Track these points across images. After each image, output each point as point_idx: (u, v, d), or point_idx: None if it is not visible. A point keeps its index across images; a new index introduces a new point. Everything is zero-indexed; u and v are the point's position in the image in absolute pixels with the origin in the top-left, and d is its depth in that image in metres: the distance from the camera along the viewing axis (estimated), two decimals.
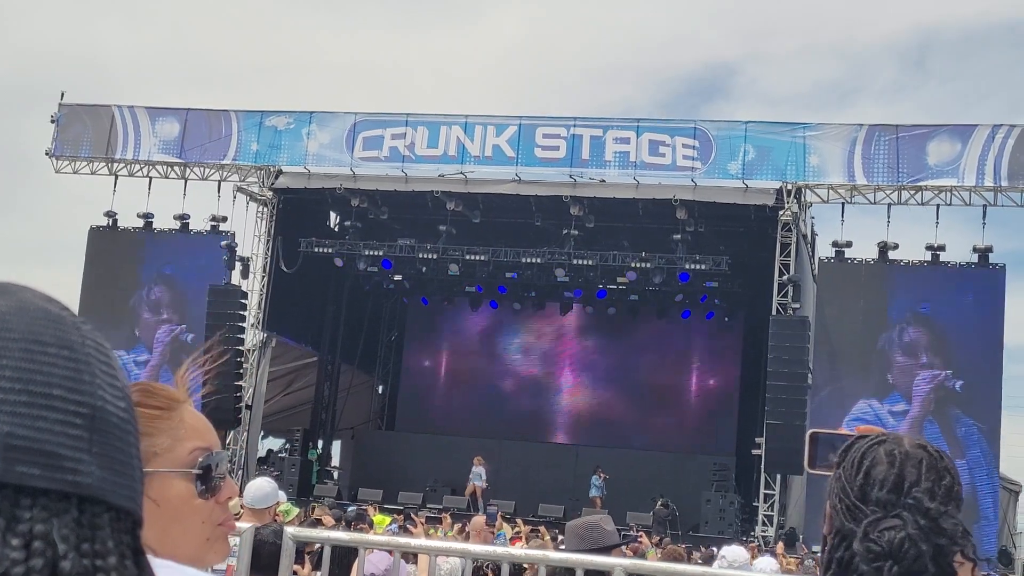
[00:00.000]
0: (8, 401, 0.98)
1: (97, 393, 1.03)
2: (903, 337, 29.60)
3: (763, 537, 28.32)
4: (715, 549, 20.19)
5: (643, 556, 10.57)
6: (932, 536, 2.09)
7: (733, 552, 8.81)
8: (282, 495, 8.62)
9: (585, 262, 31.53)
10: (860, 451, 2.22)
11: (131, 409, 1.08)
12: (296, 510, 15.16)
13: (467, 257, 32.21)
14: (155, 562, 1.84)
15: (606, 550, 5.32)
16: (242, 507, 8.13)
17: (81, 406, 1.02)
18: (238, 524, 6.59)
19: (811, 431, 2.51)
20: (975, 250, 29.82)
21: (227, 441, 32.51)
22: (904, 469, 2.15)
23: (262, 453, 35.28)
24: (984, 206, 29.51)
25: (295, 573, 5.94)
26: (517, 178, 31.91)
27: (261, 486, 7.55)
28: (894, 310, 29.91)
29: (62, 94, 34.93)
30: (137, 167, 34.64)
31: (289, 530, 4.76)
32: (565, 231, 31.61)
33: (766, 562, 11.42)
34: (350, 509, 20.84)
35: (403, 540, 5.15)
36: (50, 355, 1.02)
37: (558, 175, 31.75)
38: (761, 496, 29.67)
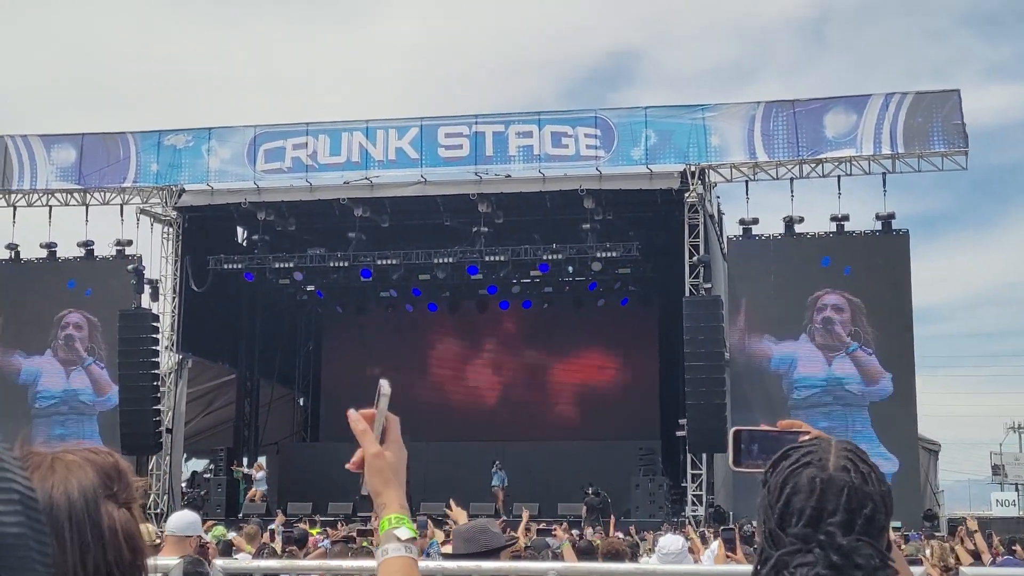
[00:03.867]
0: None
1: None
2: (814, 308, 30.04)
3: (694, 517, 28.57)
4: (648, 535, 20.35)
5: (559, 551, 10.52)
6: (846, 572, 2.05)
7: (669, 542, 8.76)
8: (206, 535, 8.64)
9: (497, 258, 31.56)
10: (784, 473, 2.17)
11: (30, 515, 1.04)
12: (229, 532, 14.98)
13: (379, 262, 32.09)
14: None
15: (495, 552, 5.45)
16: (161, 536, 8.11)
17: None
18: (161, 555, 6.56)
19: (734, 429, 2.48)
20: (878, 218, 30.38)
21: (149, 467, 32.09)
22: (824, 499, 2.10)
23: (187, 475, 34.86)
24: (883, 174, 30.06)
25: None
26: (423, 179, 31.86)
27: (185, 516, 7.68)
28: (803, 283, 30.32)
29: None
30: (36, 196, 34.05)
31: (218, 563, 4.69)
32: (475, 229, 31.60)
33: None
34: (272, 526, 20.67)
35: (333, 563, 5.11)
36: None
37: (463, 173, 31.76)
38: (688, 477, 29.93)
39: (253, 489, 31.75)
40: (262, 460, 38.63)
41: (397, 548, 2.16)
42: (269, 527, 29.08)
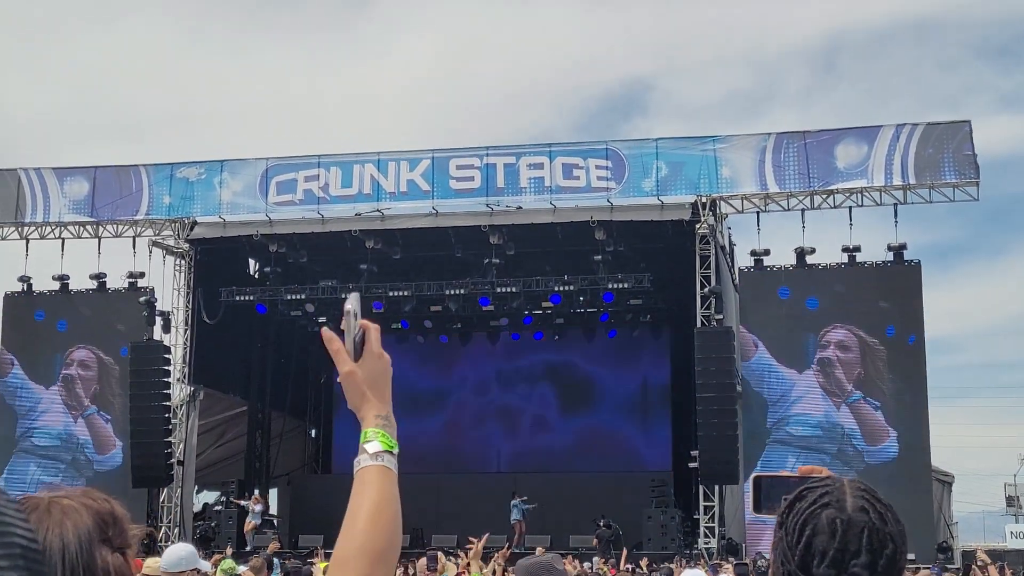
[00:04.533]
0: None
1: None
2: (826, 341, 29.94)
3: (706, 549, 28.45)
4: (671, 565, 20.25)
5: None
6: None
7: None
8: (204, 564, 8.48)
9: (509, 289, 31.59)
10: (802, 515, 2.17)
11: (32, 567, 1.04)
12: (239, 566, 14.87)
13: (390, 294, 32.12)
14: None
15: None
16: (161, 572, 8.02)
17: None
18: None
19: (754, 475, 2.48)
20: (890, 248, 30.33)
21: (161, 499, 32.08)
22: (846, 541, 2.12)
23: (198, 508, 34.81)
24: (895, 205, 30.04)
25: None
26: (434, 211, 31.90)
27: (176, 551, 7.56)
28: (815, 314, 30.24)
29: None
30: (48, 229, 34.19)
31: None
32: (486, 260, 31.65)
33: None
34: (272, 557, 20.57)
35: None
36: None
37: (475, 205, 31.81)
38: (701, 508, 29.82)
39: (248, 522, 31.56)
40: (269, 493, 38.63)
41: (366, 460, 2.16)
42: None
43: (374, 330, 2.27)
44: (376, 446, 2.17)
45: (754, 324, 30.38)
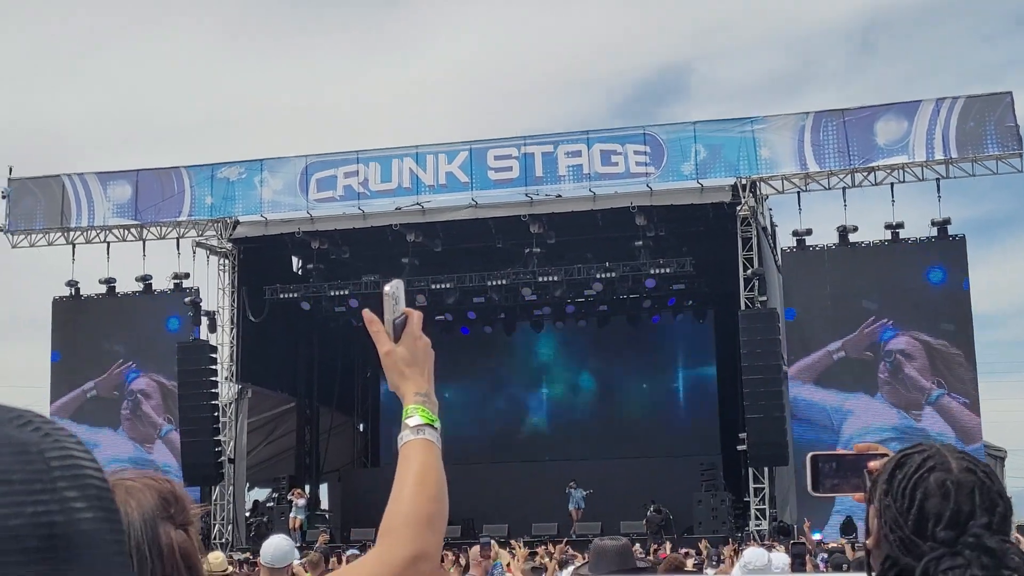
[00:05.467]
0: None
1: (54, 519, 1.00)
2: (872, 320, 29.73)
3: (758, 532, 28.35)
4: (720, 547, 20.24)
5: None
6: (995, 573, 2.05)
7: (754, 555, 8.73)
8: (296, 554, 8.49)
9: (551, 278, 31.58)
10: (910, 479, 2.15)
11: (107, 510, 1.06)
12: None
13: (433, 286, 32.19)
14: None
15: (636, 572, 5.77)
16: (259, 565, 8.00)
17: (38, 535, 0.99)
18: None
19: (811, 454, 2.47)
20: (933, 224, 30.05)
21: (213, 496, 32.31)
22: (959, 502, 2.10)
23: (249, 505, 35.05)
24: (937, 179, 29.77)
25: None
26: (474, 203, 31.95)
27: (279, 545, 7.46)
28: (860, 293, 30.03)
29: (10, 169, 34.71)
30: (94, 233, 34.49)
31: None
32: (527, 250, 31.66)
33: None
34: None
35: None
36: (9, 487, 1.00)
37: (514, 195, 31.83)
38: (751, 491, 29.72)
39: (293, 517, 31.54)
40: (320, 488, 38.79)
41: (408, 434, 2.21)
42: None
43: (416, 316, 2.32)
44: (417, 420, 2.22)
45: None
